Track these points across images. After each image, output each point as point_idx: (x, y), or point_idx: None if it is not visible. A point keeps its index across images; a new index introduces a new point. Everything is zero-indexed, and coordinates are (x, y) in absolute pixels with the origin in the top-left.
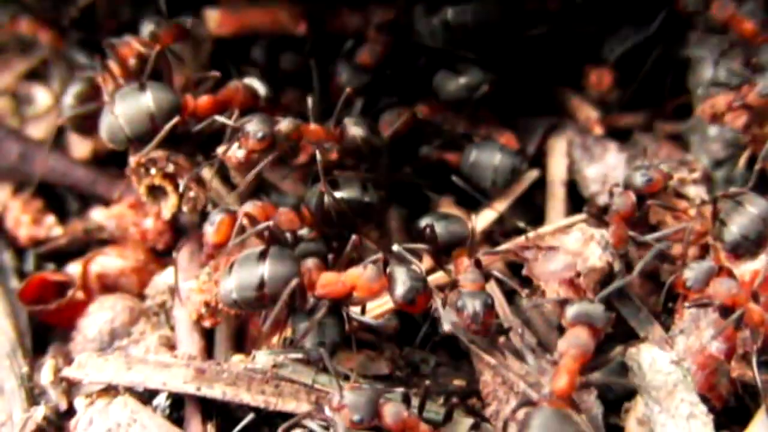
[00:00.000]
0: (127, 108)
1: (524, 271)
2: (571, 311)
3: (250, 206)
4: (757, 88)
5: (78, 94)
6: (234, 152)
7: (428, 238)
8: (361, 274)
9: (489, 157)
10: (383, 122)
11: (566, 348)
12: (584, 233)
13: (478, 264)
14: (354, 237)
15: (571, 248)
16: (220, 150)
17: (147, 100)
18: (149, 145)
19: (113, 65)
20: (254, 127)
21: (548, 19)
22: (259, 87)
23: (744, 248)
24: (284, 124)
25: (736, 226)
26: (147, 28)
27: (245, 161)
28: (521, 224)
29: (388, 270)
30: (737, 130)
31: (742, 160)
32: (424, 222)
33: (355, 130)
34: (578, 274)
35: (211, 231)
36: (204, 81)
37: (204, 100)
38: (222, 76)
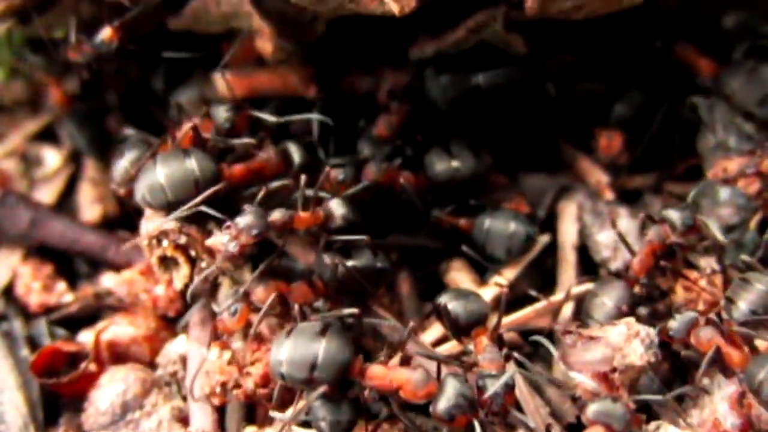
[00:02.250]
0: (171, 172)
1: (556, 355)
2: (592, 409)
3: (262, 289)
4: None
5: (134, 160)
6: (225, 244)
7: (447, 318)
8: (410, 378)
9: (503, 226)
10: (365, 171)
11: None
12: (630, 328)
13: (500, 340)
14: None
15: (613, 342)
16: (210, 241)
17: (192, 166)
18: (183, 209)
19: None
20: (248, 221)
21: (556, 79)
22: (295, 153)
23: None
24: (277, 216)
25: (744, 303)
26: (222, 113)
27: (238, 254)
28: (533, 292)
29: (441, 378)
30: (749, 196)
31: (753, 223)
32: (442, 300)
33: (339, 211)
34: (614, 370)
35: (231, 319)
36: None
37: (238, 168)
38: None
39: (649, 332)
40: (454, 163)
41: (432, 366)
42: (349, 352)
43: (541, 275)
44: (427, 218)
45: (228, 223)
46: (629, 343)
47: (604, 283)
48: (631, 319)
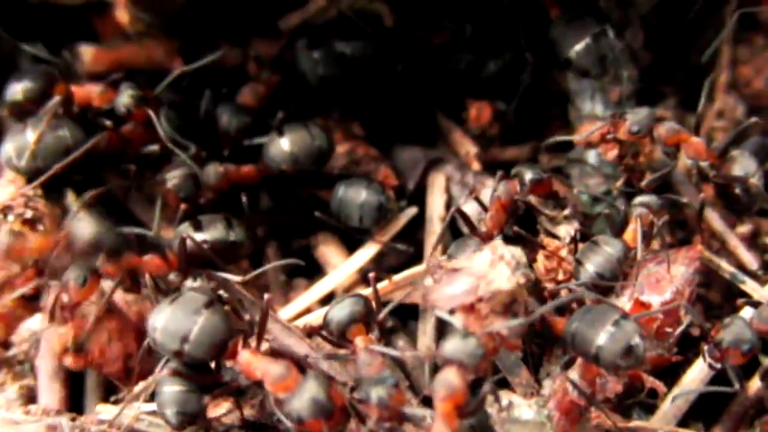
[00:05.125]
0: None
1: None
2: (444, 348)
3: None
4: (627, 124)
5: None
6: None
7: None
8: (269, 370)
9: (355, 195)
10: (206, 174)
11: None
12: (494, 252)
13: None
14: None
15: (477, 270)
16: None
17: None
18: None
19: None
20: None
21: (433, 50)
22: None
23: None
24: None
25: (591, 265)
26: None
27: (71, 308)
28: None
29: (303, 376)
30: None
31: (616, 187)
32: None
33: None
34: (480, 299)
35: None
36: None
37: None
38: None
39: (515, 253)
40: (287, 147)
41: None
42: (226, 333)
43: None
44: (295, 193)
45: None
46: (494, 268)
47: (460, 243)
48: (498, 242)
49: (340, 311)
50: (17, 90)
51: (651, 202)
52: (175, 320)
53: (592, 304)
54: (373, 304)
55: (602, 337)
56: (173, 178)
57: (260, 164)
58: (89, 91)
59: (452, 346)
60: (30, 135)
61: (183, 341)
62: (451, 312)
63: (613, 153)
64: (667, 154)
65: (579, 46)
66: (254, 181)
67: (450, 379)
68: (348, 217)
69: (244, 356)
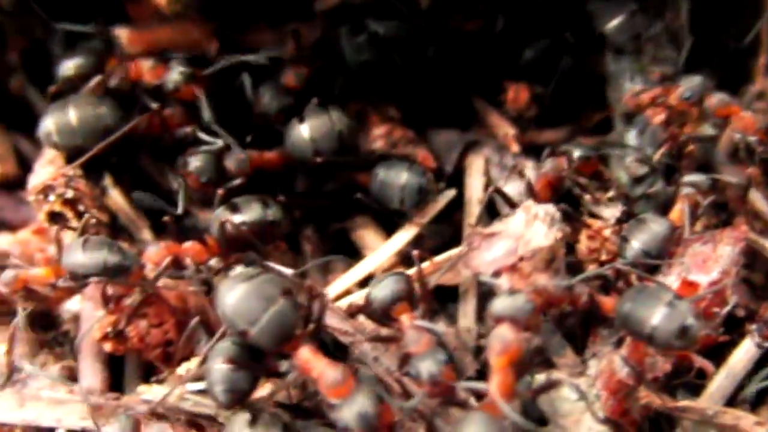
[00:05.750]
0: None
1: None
2: (493, 308)
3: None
4: (679, 90)
5: None
6: None
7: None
8: (325, 373)
9: (396, 177)
10: (228, 161)
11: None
12: (528, 212)
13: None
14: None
15: (514, 231)
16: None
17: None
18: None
19: None
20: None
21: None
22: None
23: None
24: (152, 251)
25: (637, 242)
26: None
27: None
28: None
29: (356, 386)
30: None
31: (658, 155)
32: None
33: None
34: (521, 259)
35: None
36: None
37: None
38: None
39: (548, 210)
40: (306, 134)
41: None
42: (295, 325)
43: (450, 231)
44: (331, 176)
45: None
46: (530, 227)
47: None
48: (529, 202)
49: (382, 290)
50: (69, 66)
51: (699, 182)
52: (248, 300)
53: (643, 285)
54: (416, 283)
55: (657, 317)
56: (195, 161)
57: (282, 151)
58: (140, 67)
59: (501, 303)
60: (71, 112)
61: (252, 324)
62: (495, 275)
63: (660, 117)
64: (714, 127)
65: (615, 22)
66: (278, 166)
67: (504, 334)
68: (389, 199)
69: (304, 354)
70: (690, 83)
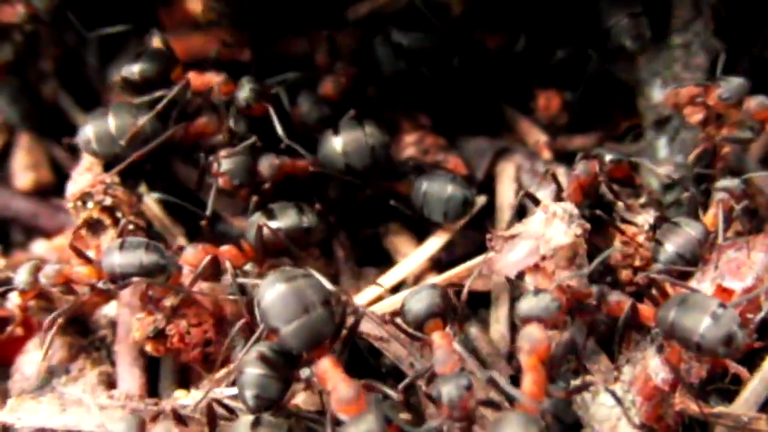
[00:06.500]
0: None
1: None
2: (520, 309)
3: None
4: (718, 90)
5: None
6: None
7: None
8: (338, 388)
9: (440, 189)
10: (261, 165)
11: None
12: (546, 211)
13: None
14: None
15: (534, 231)
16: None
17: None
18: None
19: None
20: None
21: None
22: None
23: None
24: (189, 253)
25: (672, 245)
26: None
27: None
28: None
29: (368, 404)
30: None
31: (693, 155)
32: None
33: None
34: (543, 258)
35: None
36: None
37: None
38: None
39: (566, 207)
40: (339, 145)
41: None
42: (326, 335)
43: (480, 237)
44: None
45: None
46: (549, 226)
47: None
48: (547, 201)
49: (418, 303)
50: (134, 68)
51: (733, 187)
52: (287, 300)
53: (686, 293)
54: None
55: (704, 326)
56: (228, 163)
57: (314, 161)
58: (209, 80)
59: (527, 304)
60: (111, 120)
61: (284, 323)
62: (520, 276)
63: (697, 117)
64: (750, 130)
65: (620, 20)
66: (308, 174)
67: (532, 332)
68: (432, 212)
69: (324, 364)
70: (729, 84)
